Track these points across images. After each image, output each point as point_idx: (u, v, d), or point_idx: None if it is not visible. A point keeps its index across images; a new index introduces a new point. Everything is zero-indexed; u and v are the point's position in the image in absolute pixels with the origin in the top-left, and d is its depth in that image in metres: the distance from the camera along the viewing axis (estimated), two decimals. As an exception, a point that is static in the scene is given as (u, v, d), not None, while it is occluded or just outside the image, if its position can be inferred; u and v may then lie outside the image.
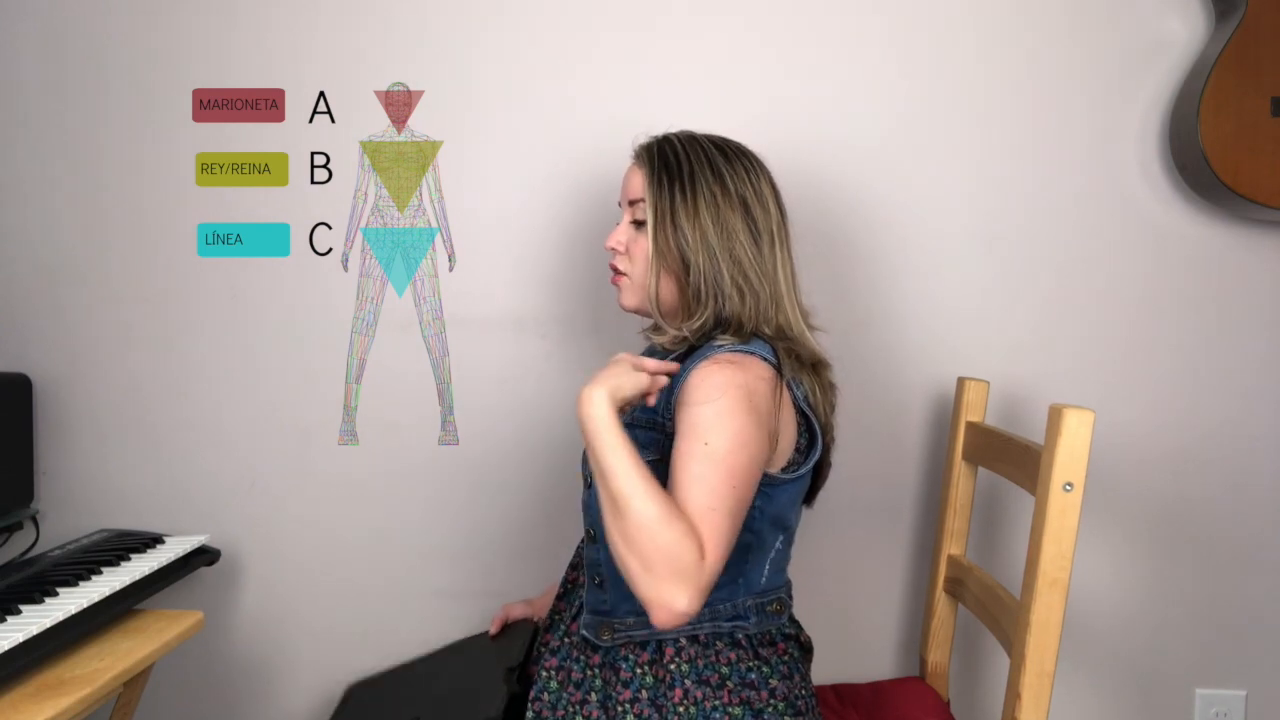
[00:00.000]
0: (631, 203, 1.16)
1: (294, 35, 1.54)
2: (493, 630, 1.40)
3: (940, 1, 1.54)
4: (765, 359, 1.06)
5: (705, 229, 1.10)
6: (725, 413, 1.00)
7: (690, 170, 1.12)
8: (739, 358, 1.05)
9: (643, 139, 1.19)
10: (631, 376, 1.03)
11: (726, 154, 1.14)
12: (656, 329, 1.16)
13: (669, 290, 1.14)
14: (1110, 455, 1.55)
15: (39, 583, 1.16)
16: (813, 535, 1.53)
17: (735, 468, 0.99)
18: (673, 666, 1.08)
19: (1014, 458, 1.18)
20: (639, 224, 1.15)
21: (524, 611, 1.42)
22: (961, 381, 1.40)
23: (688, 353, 1.12)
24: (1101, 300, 1.55)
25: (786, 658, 1.12)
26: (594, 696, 1.09)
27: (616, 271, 1.19)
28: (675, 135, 1.17)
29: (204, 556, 1.40)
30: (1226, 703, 1.59)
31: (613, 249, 1.18)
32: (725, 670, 1.08)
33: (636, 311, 1.18)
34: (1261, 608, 1.58)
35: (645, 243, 1.13)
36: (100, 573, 1.22)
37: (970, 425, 1.38)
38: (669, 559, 0.91)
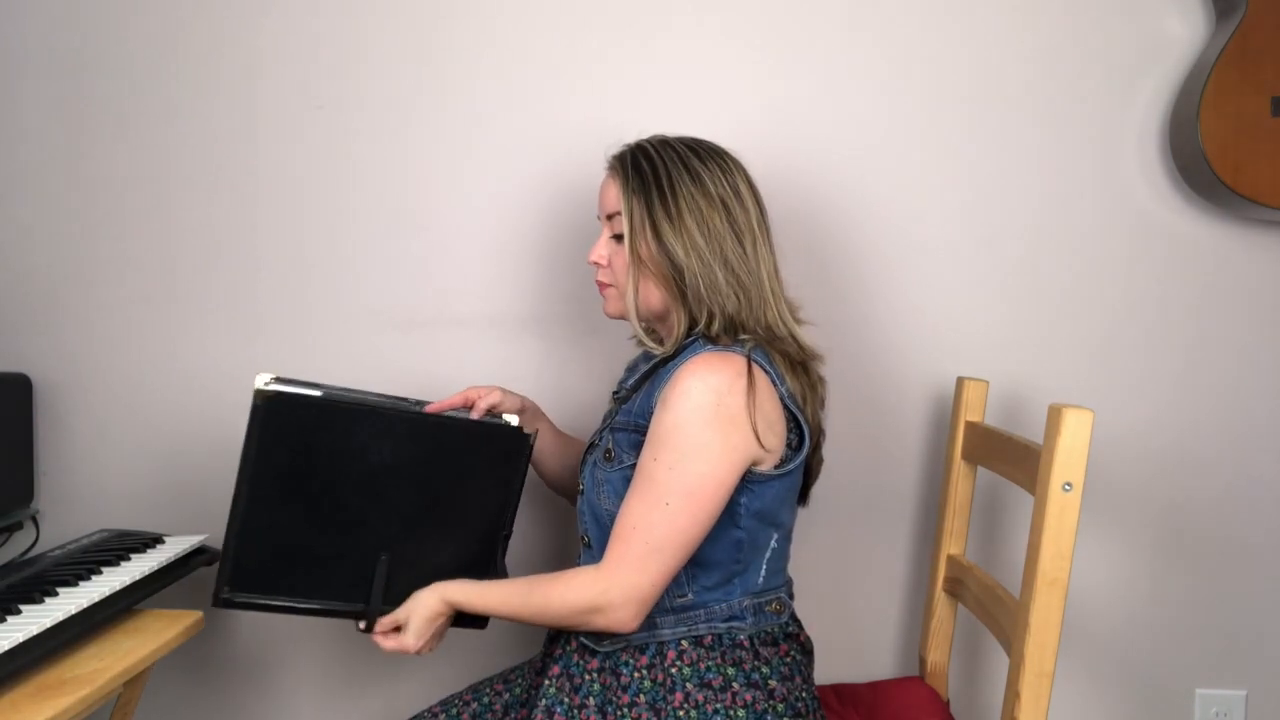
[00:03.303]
0: (609, 217, 1.15)
1: (292, 38, 1.54)
2: (475, 415, 1.21)
3: (938, 3, 1.54)
4: (747, 356, 1.06)
5: (691, 234, 1.09)
6: (684, 425, 1.03)
7: (668, 176, 1.11)
8: (721, 357, 1.06)
9: (615, 149, 1.17)
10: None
11: (701, 155, 1.13)
12: (650, 331, 1.16)
13: (653, 297, 1.13)
14: (1110, 455, 1.55)
15: (39, 583, 1.16)
16: (812, 535, 1.53)
17: (678, 484, 1.02)
18: (674, 670, 1.08)
19: (1013, 457, 1.18)
20: (619, 237, 1.14)
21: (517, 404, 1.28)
22: (961, 381, 1.40)
23: (675, 353, 1.12)
24: (1101, 300, 1.55)
25: (788, 659, 1.12)
26: (592, 701, 1.09)
27: (601, 283, 1.18)
28: (648, 141, 1.16)
29: (204, 556, 1.40)
30: (1226, 703, 1.59)
31: (595, 263, 1.17)
32: (731, 671, 1.08)
33: (623, 319, 1.18)
34: (1261, 608, 1.58)
35: (624, 253, 1.13)
36: (100, 573, 1.22)
37: (970, 425, 1.37)
38: (572, 613, 1.06)
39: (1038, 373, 1.56)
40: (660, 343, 1.16)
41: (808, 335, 1.17)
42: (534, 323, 1.57)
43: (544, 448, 1.35)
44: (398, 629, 1.16)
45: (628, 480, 1.08)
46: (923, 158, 1.55)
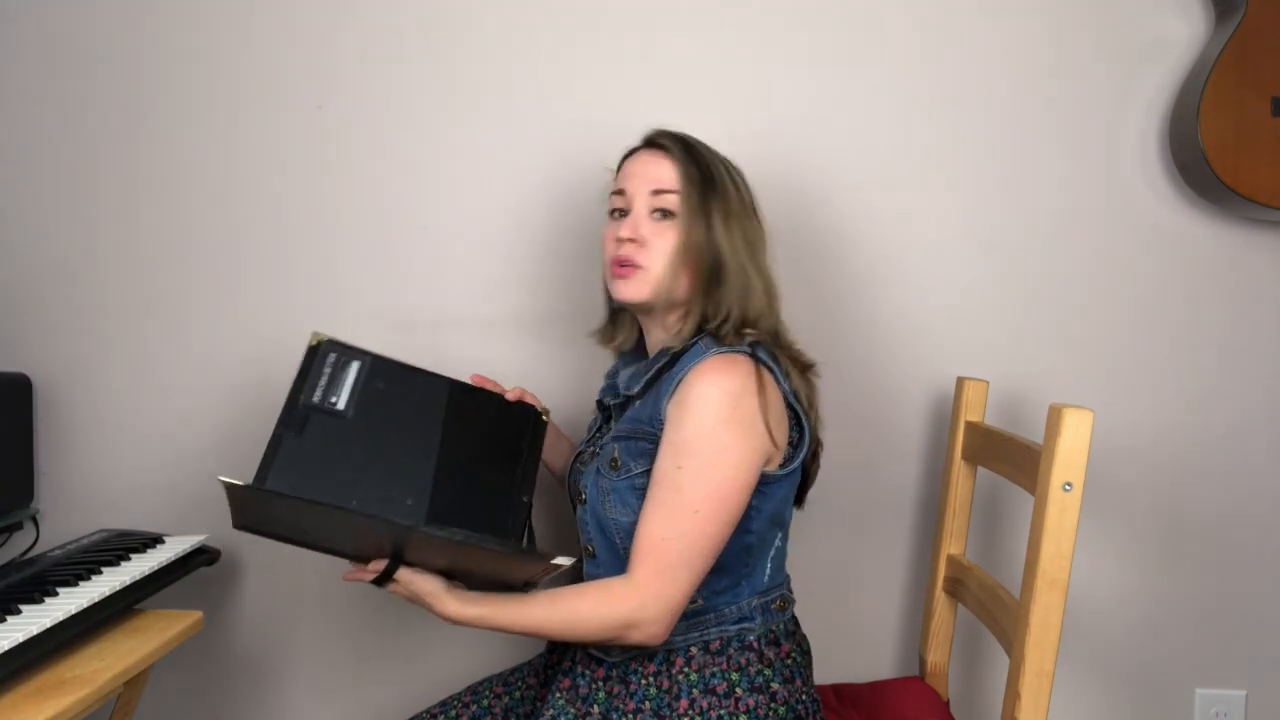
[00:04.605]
0: (656, 192, 1.10)
1: (291, 37, 1.54)
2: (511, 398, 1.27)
3: (939, 3, 1.54)
4: (753, 356, 1.06)
5: (735, 233, 1.10)
6: (705, 431, 1.01)
7: (718, 173, 1.12)
8: (729, 359, 1.05)
9: (658, 128, 1.17)
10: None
11: (727, 163, 1.16)
12: (655, 321, 1.16)
13: (683, 287, 1.11)
14: (1110, 455, 1.55)
15: (39, 583, 1.16)
16: (813, 535, 1.53)
17: (706, 491, 1.01)
18: (680, 677, 1.08)
19: (1013, 457, 1.18)
20: (663, 215, 1.10)
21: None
22: (961, 381, 1.40)
23: (680, 353, 1.11)
24: (1101, 300, 1.55)
25: (790, 661, 1.12)
26: (596, 709, 1.09)
27: (627, 264, 1.10)
28: (682, 134, 1.16)
29: (204, 556, 1.40)
30: (1226, 703, 1.59)
31: (629, 239, 1.10)
32: (735, 676, 1.08)
33: (643, 305, 1.12)
34: (1261, 608, 1.58)
35: (671, 235, 1.09)
36: (100, 572, 1.22)
37: (970, 425, 1.38)
38: (605, 631, 1.03)
39: (1038, 373, 1.56)
40: (642, 339, 1.17)
41: (802, 344, 1.18)
42: (533, 323, 1.57)
43: (559, 463, 1.39)
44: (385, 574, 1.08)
45: (635, 489, 1.07)
46: (923, 158, 1.55)
